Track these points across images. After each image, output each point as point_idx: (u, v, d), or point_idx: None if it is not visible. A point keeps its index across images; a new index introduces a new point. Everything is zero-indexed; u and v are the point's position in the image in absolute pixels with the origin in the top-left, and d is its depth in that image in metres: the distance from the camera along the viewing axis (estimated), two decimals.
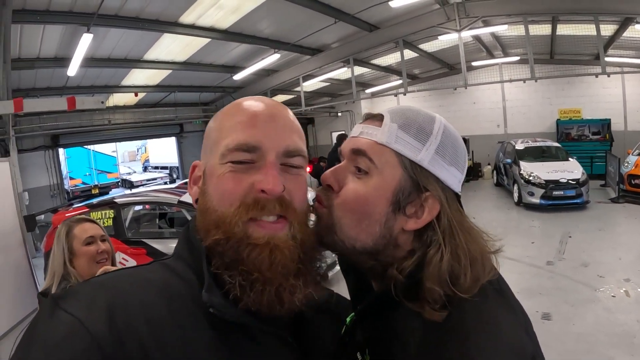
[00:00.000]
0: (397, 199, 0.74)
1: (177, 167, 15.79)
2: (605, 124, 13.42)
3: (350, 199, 0.75)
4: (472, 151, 14.94)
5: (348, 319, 0.82)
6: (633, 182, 9.84)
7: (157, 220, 5.98)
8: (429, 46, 11.81)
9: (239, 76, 11.40)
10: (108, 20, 6.89)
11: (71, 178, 15.49)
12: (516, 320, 0.70)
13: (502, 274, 0.78)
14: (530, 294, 5.20)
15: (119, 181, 17.92)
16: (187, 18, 7.75)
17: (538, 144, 11.74)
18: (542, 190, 9.68)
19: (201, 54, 9.87)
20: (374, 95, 16.91)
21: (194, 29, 8.20)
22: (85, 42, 6.82)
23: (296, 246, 0.67)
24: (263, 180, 0.66)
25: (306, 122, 19.17)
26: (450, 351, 0.62)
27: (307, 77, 12.12)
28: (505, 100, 15.38)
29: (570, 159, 10.83)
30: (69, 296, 0.58)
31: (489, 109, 15.73)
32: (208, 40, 8.85)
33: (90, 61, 8.36)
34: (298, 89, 12.41)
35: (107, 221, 5.29)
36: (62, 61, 8.18)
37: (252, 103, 0.73)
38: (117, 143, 16.98)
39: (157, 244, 5.16)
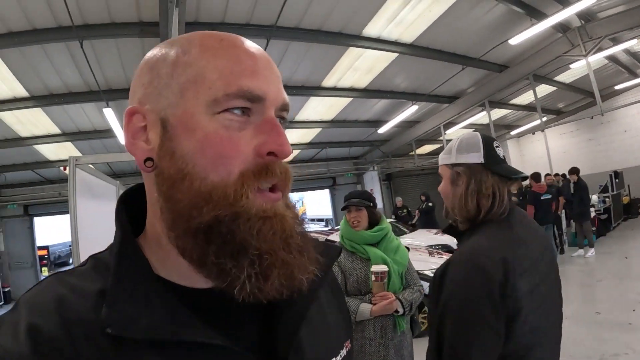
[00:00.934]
0: (453, 179, 1.45)
1: (331, 219, 16.89)
2: None
3: (441, 192, 1.51)
4: (628, 185, 13.20)
5: None
6: None
7: None
8: (565, 77, 11.20)
9: (382, 129, 12.09)
10: None
11: None
12: (488, 243, 1.27)
13: None
14: None
15: None
16: (328, 82, 8.82)
17: None
18: None
19: (345, 112, 10.91)
20: (519, 135, 16.11)
21: (335, 91, 9.23)
22: None
23: (294, 217, 0.57)
24: (271, 141, 0.54)
25: None
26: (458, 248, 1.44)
27: (448, 125, 12.27)
28: None
29: None
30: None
31: None
32: (350, 99, 9.82)
33: None
34: (442, 137, 12.55)
35: None
36: None
37: (244, 41, 0.58)
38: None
39: None
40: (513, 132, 15.48)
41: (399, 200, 13.38)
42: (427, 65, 8.48)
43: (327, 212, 17.95)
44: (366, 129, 12.63)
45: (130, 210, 0.60)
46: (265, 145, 0.54)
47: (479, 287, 1.18)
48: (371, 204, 2.62)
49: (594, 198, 11.15)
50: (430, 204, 11.78)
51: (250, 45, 0.58)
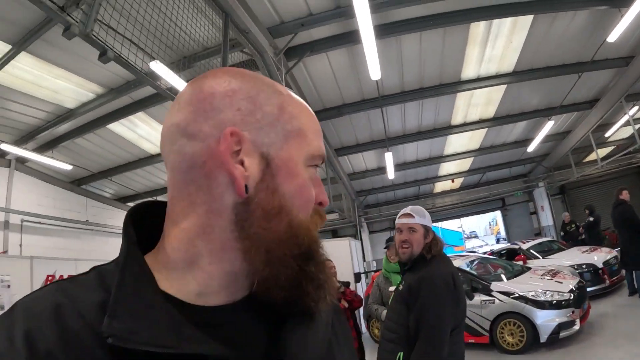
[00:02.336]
0: (425, 234, 2.43)
1: (504, 238, 17.36)
2: None
3: (414, 240, 2.41)
4: None
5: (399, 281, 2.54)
6: None
7: None
8: None
9: (531, 148, 12.71)
10: (399, 139, 10.46)
11: None
12: (445, 267, 2.37)
13: None
14: None
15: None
16: (455, 120, 10.57)
17: None
18: None
19: (488, 139, 12.28)
20: None
21: (465, 126, 10.85)
22: (389, 158, 10.42)
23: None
24: (322, 194, 0.66)
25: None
26: (425, 269, 2.35)
27: (604, 128, 12.07)
28: None
29: None
30: None
31: None
32: (484, 129, 11.20)
33: (402, 165, 12.25)
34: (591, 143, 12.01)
35: None
36: (382, 169, 12.42)
37: (307, 107, 0.69)
38: (463, 219, 19.92)
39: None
40: None
41: (566, 216, 13.20)
42: (543, 84, 9.20)
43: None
44: (517, 150, 13.49)
45: (140, 226, 0.62)
46: (319, 196, 0.65)
47: (445, 291, 2.21)
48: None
49: None
50: (591, 219, 11.41)
51: (310, 110, 0.69)
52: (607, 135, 12.70)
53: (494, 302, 6.49)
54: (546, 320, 5.97)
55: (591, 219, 11.37)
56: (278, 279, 0.58)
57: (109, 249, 11.03)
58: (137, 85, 6.54)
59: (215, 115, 0.58)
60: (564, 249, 9.96)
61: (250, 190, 0.57)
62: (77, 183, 10.76)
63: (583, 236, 11.70)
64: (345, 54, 6.99)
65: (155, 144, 9.09)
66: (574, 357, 5.49)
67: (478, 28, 6.98)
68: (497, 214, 18.20)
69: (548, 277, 6.80)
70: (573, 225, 12.68)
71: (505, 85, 8.98)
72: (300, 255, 0.59)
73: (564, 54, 8.33)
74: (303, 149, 0.62)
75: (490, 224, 29.32)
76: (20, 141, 8.14)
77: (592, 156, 14.75)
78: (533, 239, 11.48)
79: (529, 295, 6.19)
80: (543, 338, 5.93)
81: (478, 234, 19.60)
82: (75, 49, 5.55)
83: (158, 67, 4.55)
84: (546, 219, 16.39)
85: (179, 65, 5.03)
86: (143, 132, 8.59)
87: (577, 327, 5.97)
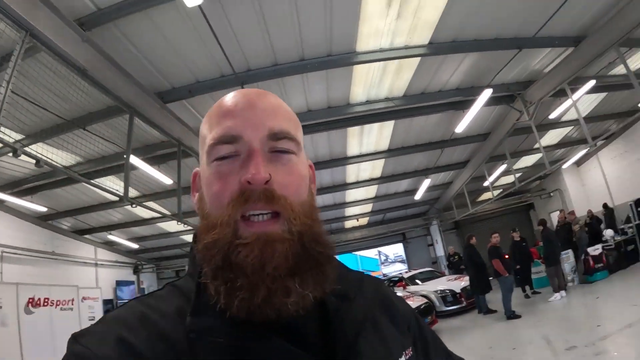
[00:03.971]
0: None
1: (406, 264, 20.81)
2: None
3: None
4: None
5: None
6: None
7: None
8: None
9: (417, 196, 15.58)
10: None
11: None
12: None
13: None
14: None
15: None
16: (349, 180, 13.10)
17: None
18: None
19: (381, 190, 15.07)
20: (578, 164, 16.50)
21: (358, 183, 13.41)
22: None
23: (293, 240, 0.61)
24: (244, 171, 0.62)
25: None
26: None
27: (479, 180, 15.38)
28: None
29: None
30: (86, 333, 0.59)
31: None
32: (375, 185, 13.95)
33: None
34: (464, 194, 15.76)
35: None
36: None
37: (232, 94, 0.70)
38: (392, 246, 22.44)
39: None
40: (565, 166, 15.81)
41: (450, 249, 16.18)
42: (417, 155, 11.93)
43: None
44: (407, 197, 16.35)
45: None
46: (243, 176, 0.61)
47: None
48: None
49: (608, 232, 12.03)
50: (454, 258, 14.78)
51: (238, 93, 0.70)
52: (485, 184, 15.31)
53: None
54: None
55: (455, 258, 14.75)
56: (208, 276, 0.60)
57: (70, 275, 12.98)
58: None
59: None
60: (439, 277, 13.10)
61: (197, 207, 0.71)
62: (43, 219, 12.18)
63: (463, 266, 13.71)
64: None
65: (116, 191, 10.95)
66: None
67: (354, 128, 9.45)
68: (400, 246, 21.58)
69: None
70: (456, 257, 15.47)
71: (384, 160, 11.65)
72: (208, 252, 0.61)
73: (428, 136, 10.90)
74: (204, 150, 0.67)
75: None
76: (5, 187, 9.34)
77: (484, 196, 17.93)
78: (415, 269, 14.85)
79: None
80: None
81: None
82: None
83: None
84: (440, 250, 19.63)
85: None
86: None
87: None
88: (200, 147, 0.71)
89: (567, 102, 8.96)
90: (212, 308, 0.58)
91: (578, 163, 16.46)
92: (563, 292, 9.80)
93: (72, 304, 10.97)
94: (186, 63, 6.10)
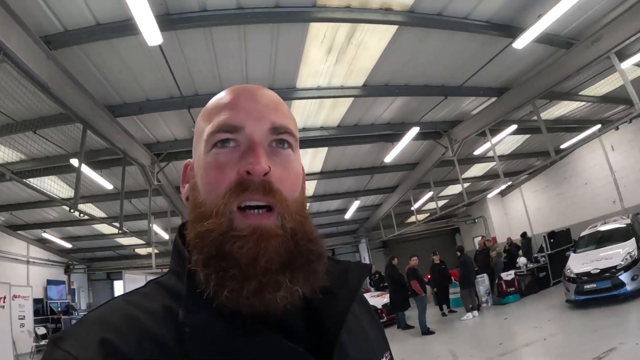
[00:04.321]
0: None
1: None
2: None
3: None
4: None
5: None
6: None
7: None
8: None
9: (347, 216, 16.64)
10: None
11: None
12: None
13: None
14: None
15: None
16: None
17: (607, 226, 10.26)
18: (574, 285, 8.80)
19: (313, 208, 15.57)
20: (503, 194, 18.30)
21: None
22: None
23: (286, 236, 0.62)
24: (245, 162, 0.63)
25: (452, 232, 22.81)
26: None
27: (407, 204, 16.50)
28: (614, 171, 13.52)
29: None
30: (66, 336, 0.56)
31: (602, 186, 13.97)
32: (307, 203, 14.90)
33: None
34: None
35: None
36: None
37: (233, 88, 0.72)
38: None
39: None
40: (490, 195, 16.77)
41: (373, 267, 16.70)
42: (348, 179, 12.94)
43: None
44: (337, 216, 17.27)
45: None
46: (243, 166, 0.62)
47: None
48: None
49: (522, 260, 13.21)
50: (375, 277, 15.87)
51: (240, 86, 0.72)
52: (412, 208, 16.10)
53: None
54: None
55: (376, 276, 15.71)
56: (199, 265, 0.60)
57: (1, 271, 13.11)
58: None
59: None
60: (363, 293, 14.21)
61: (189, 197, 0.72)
62: None
63: (385, 283, 14.30)
64: None
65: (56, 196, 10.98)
66: None
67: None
68: None
69: None
70: (377, 275, 16.53)
71: (316, 181, 12.44)
72: (200, 240, 0.61)
73: (359, 161, 11.84)
74: (202, 141, 0.68)
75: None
76: None
77: (412, 218, 18.68)
78: None
79: None
80: None
81: None
82: None
83: None
84: None
85: None
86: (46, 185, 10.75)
87: None
88: (195, 140, 0.73)
89: (489, 143, 10.09)
90: (205, 302, 0.57)
91: (502, 194, 18.11)
92: (476, 312, 10.85)
93: (4, 302, 10.59)
94: (139, 82, 6.63)
